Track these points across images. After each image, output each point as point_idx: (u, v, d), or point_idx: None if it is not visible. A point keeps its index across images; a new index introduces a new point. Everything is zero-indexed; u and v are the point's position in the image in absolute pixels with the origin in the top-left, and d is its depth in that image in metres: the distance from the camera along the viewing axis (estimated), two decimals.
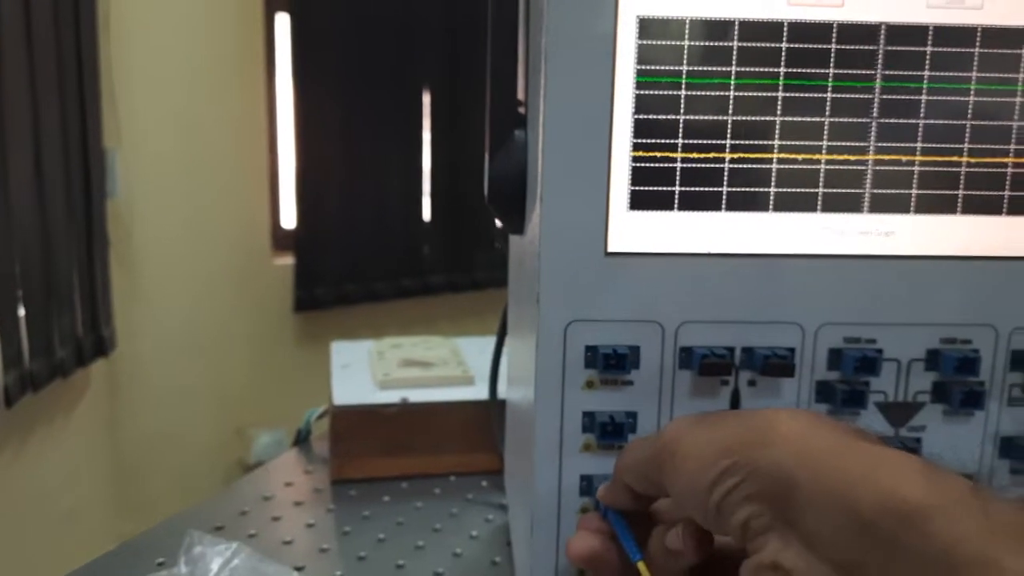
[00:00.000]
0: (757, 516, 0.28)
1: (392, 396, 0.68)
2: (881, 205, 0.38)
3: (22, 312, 1.57)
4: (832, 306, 0.39)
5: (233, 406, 2.19)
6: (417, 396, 0.68)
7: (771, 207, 0.38)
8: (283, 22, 2.25)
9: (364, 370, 0.74)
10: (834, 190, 0.38)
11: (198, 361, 2.10)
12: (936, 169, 0.38)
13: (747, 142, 0.38)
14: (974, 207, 0.39)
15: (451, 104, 2.40)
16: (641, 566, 0.34)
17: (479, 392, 0.70)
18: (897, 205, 0.38)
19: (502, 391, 0.63)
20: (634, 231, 0.38)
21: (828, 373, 0.39)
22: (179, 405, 2.07)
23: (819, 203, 0.38)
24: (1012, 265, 0.39)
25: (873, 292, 0.39)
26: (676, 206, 0.38)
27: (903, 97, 0.38)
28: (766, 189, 0.38)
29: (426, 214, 2.47)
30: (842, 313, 0.39)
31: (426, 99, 2.39)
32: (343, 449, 0.67)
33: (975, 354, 0.39)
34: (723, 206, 0.38)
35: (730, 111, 0.37)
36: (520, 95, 0.44)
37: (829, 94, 0.38)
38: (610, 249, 0.38)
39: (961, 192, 0.39)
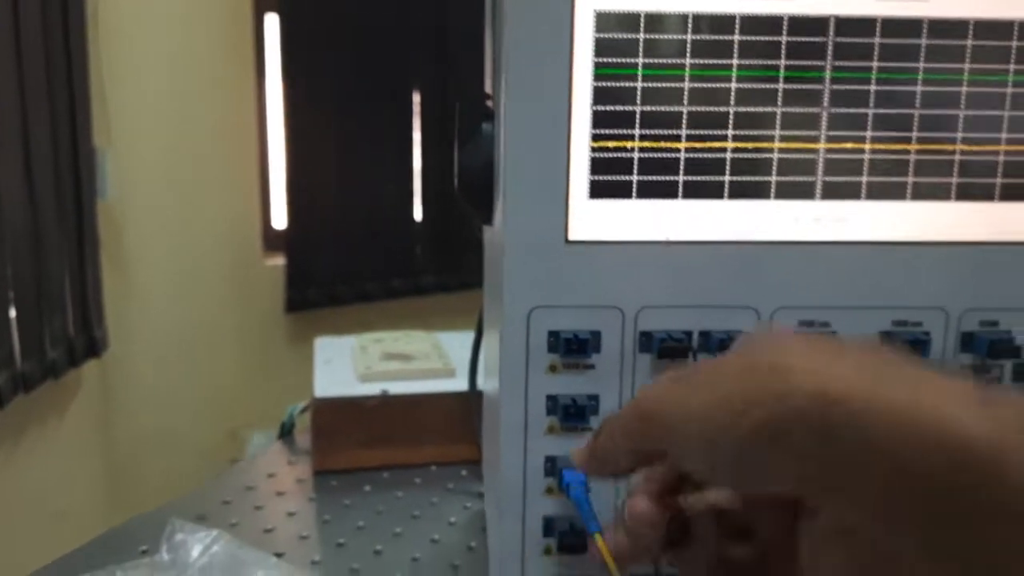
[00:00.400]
0: (806, 478, 0.24)
1: (373, 388, 0.69)
2: (833, 192, 0.40)
3: (13, 313, 1.58)
4: (787, 291, 0.40)
5: (226, 406, 2.20)
6: (398, 388, 0.69)
7: (726, 195, 0.39)
8: (272, 22, 2.26)
9: (347, 364, 0.76)
10: (787, 178, 0.39)
11: (190, 362, 2.11)
12: (886, 157, 0.40)
13: (702, 132, 0.39)
14: (923, 194, 0.40)
15: (441, 104, 2.41)
16: (598, 538, 0.35)
17: (460, 384, 0.71)
18: (849, 192, 0.40)
19: (482, 383, 0.64)
20: (594, 219, 0.39)
21: None
22: (172, 406, 2.08)
23: (773, 190, 0.40)
24: (961, 250, 0.40)
25: (827, 277, 0.40)
26: (634, 194, 0.39)
27: (853, 87, 0.39)
28: (721, 177, 0.39)
29: (417, 214, 2.48)
30: (796, 297, 0.40)
31: (416, 99, 2.40)
32: (325, 441, 0.68)
33: (926, 336, 0.40)
34: (679, 194, 0.39)
35: (685, 102, 0.39)
36: (488, 89, 0.46)
37: (781, 84, 0.39)
38: (571, 237, 0.39)
39: (910, 179, 0.40)
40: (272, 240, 2.34)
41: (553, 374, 0.41)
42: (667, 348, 0.39)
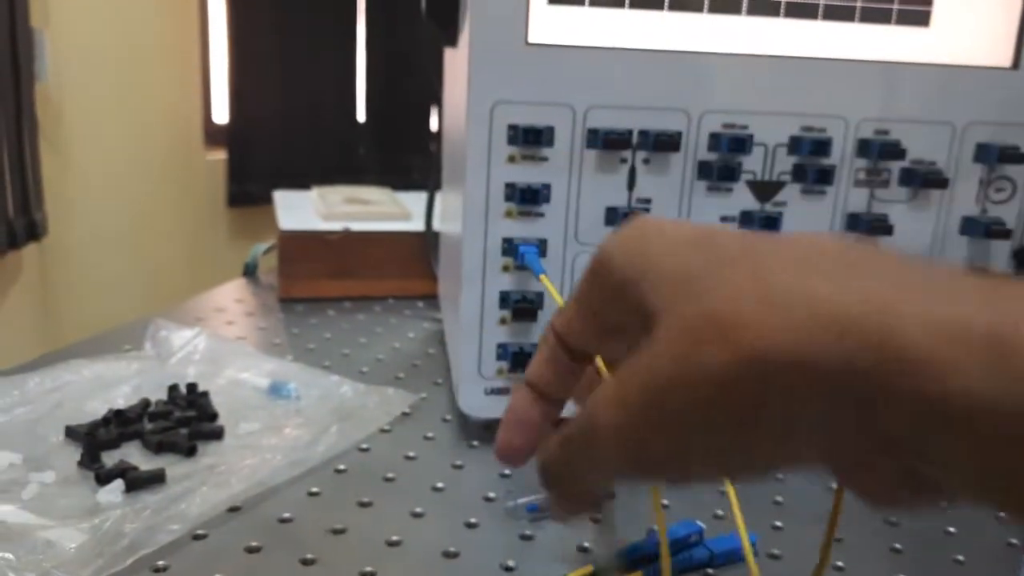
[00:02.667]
0: None
1: (335, 226, 0.74)
2: (756, 10, 0.46)
3: None
4: (713, 96, 0.47)
5: (166, 299, 2.21)
6: (359, 226, 0.75)
7: (666, 7, 0.45)
8: None
9: (308, 208, 0.80)
10: None
11: (131, 252, 2.11)
12: None
13: None
14: (832, 15, 0.47)
15: (385, 4, 2.40)
16: (544, 279, 0.42)
17: (416, 226, 0.77)
18: (769, 10, 0.46)
19: (438, 226, 0.70)
20: (552, 24, 0.45)
21: (708, 154, 0.47)
22: (112, 296, 2.08)
23: (706, 5, 0.46)
24: (862, 66, 0.47)
25: (747, 85, 0.47)
26: (588, 2, 0.45)
27: None
28: None
29: (360, 116, 2.48)
30: (721, 103, 0.47)
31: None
32: (290, 270, 0.73)
33: (828, 140, 0.48)
34: (626, 3, 0.45)
35: None
36: None
37: None
38: (531, 40, 0.45)
39: (822, 1, 0.46)
40: (213, 134, 2.32)
41: (512, 164, 0.46)
42: (610, 141, 0.46)
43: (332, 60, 2.38)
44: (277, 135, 2.33)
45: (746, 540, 0.36)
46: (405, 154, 2.46)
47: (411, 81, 2.36)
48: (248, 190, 2.31)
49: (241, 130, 2.29)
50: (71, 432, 0.47)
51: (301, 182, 2.35)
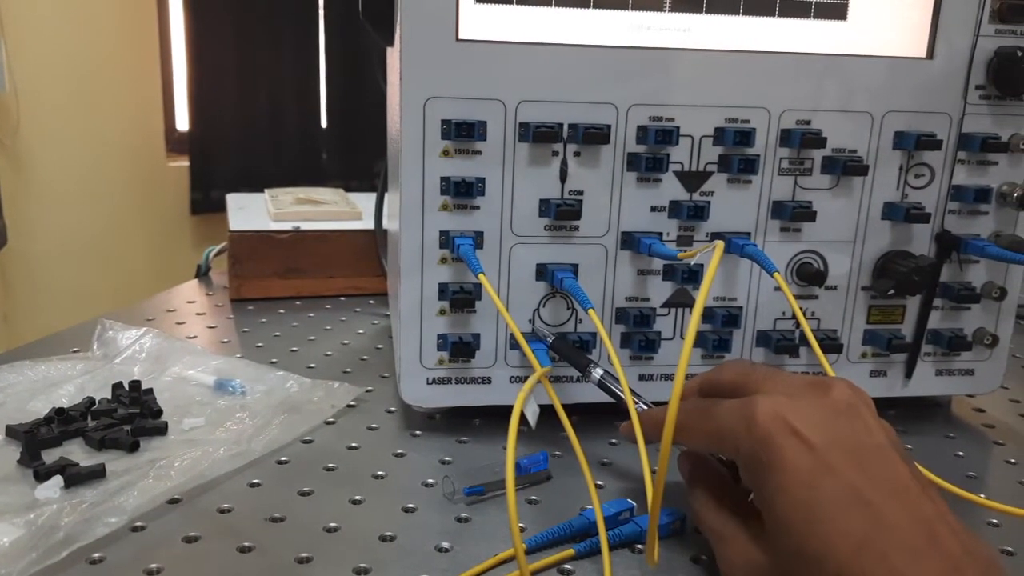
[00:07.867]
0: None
1: (286, 226, 0.75)
2: (679, 5, 0.48)
3: None
4: (639, 90, 0.48)
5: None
6: (309, 226, 0.75)
7: (592, 4, 0.47)
8: None
9: (260, 209, 0.81)
10: None
11: (94, 261, 2.10)
12: None
13: None
14: (753, 9, 0.48)
15: (346, 9, 2.40)
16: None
17: (366, 224, 0.78)
18: (692, 6, 0.48)
19: (387, 225, 0.71)
20: (481, 21, 0.46)
21: (637, 146, 0.49)
22: (75, 305, 2.06)
23: (630, 1, 0.47)
24: (782, 58, 0.49)
25: (673, 79, 0.48)
26: (515, 0, 0.46)
27: None
28: None
29: (323, 121, 2.48)
30: (647, 96, 0.48)
31: (320, 3, 2.38)
32: (240, 270, 0.73)
33: (751, 131, 0.49)
34: (552, 1, 0.46)
35: None
36: None
37: None
38: (461, 36, 0.46)
39: None
40: (176, 143, 2.31)
41: (446, 158, 0.48)
42: (541, 134, 0.47)
43: (294, 66, 2.38)
44: (240, 142, 2.33)
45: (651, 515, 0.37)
46: (369, 158, 2.46)
47: (373, 86, 2.36)
48: (211, 197, 2.30)
49: (203, 138, 2.28)
50: (11, 431, 0.47)
51: (265, 189, 2.35)
